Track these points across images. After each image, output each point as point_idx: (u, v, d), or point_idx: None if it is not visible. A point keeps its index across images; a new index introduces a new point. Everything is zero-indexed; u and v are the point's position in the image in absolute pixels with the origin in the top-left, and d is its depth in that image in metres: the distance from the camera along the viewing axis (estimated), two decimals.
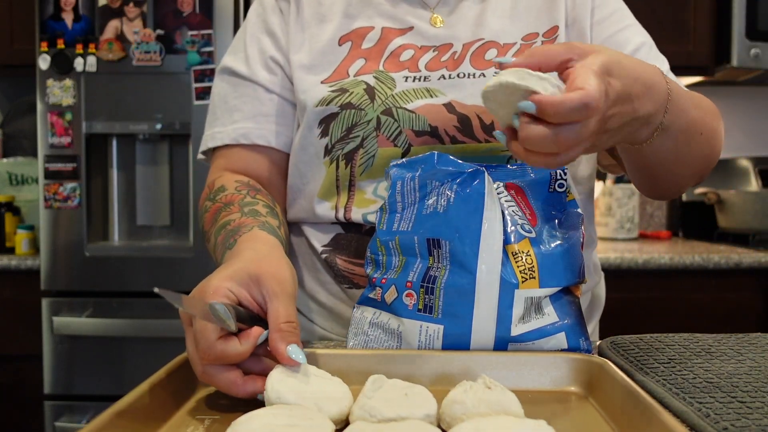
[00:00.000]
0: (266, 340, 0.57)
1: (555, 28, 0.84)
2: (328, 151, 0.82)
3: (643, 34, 0.87)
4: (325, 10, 0.88)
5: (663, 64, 0.86)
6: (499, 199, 0.68)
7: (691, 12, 2.19)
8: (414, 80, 0.82)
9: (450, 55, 0.83)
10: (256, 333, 0.56)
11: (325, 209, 0.83)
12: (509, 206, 0.68)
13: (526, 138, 0.54)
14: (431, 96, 0.80)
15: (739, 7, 2.11)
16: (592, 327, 0.92)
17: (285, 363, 0.55)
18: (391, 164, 0.72)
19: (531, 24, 0.85)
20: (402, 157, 0.79)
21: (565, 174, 0.70)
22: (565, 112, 0.53)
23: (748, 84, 2.47)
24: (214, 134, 0.89)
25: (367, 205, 0.81)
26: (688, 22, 2.19)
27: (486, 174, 0.68)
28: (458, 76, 0.81)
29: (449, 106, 0.79)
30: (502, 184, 0.70)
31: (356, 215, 0.81)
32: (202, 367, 0.56)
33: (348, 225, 0.83)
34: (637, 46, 0.84)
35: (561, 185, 0.70)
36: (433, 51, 0.84)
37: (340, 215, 0.82)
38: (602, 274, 0.97)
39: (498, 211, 0.66)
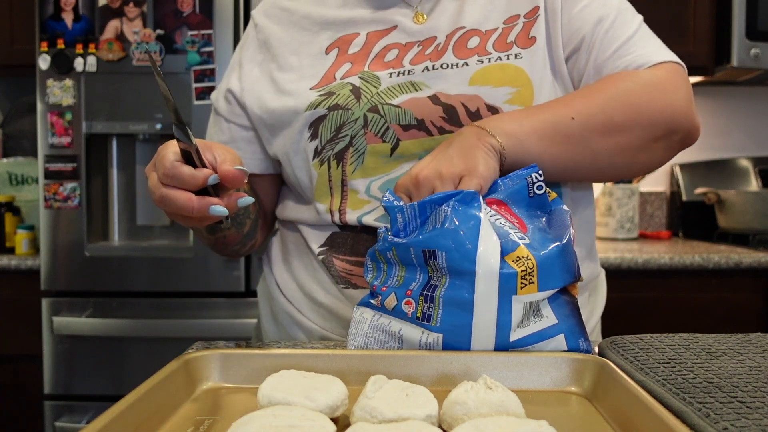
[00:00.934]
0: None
1: (536, 9, 0.84)
2: (317, 153, 0.84)
3: (607, 6, 0.83)
4: (308, 23, 0.90)
5: (629, 28, 0.82)
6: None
7: (691, 12, 2.19)
8: (399, 75, 0.83)
9: (433, 48, 0.84)
10: (209, 171, 0.65)
11: (322, 211, 0.85)
12: (496, 220, 0.68)
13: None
14: (416, 90, 0.81)
15: (739, 7, 2.11)
16: (594, 324, 0.92)
17: (231, 177, 0.65)
18: (384, 196, 0.72)
19: (512, 6, 0.85)
20: (391, 152, 0.80)
21: (540, 177, 0.70)
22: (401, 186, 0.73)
23: (748, 84, 2.47)
24: None
25: (361, 206, 0.82)
26: (688, 22, 2.19)
27: (480, 196, 0.68)
28: (441, 66, 0.82)
29: (434, 98, 0.81)
30: (482, 201, 0.70)
31: (351, 218, 0.83)
32: (162, 190, 0.65)
33: (344, 225, 0.84)
34: (598, 19, 0.82)
35: (540, 187, 0.70)
36: (418, 46, 0.85)
37: (336, 219, 0.83)
38: (602, 270, 0.97)
39: (491, 226, 0.66)
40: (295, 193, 0.91)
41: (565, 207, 0.71)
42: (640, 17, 0.85)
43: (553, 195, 0.71)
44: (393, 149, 0.81)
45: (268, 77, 0.89)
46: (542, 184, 0.70)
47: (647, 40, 0.83)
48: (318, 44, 0.88)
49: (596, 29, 0.82)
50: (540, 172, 0.70)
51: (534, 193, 0.70)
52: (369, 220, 0.81)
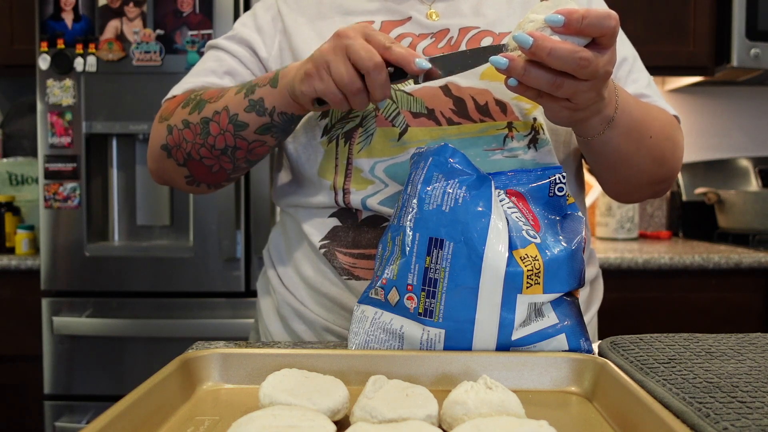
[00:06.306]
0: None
1: None
2: (327, 131, 0.85)
3: (626, 47, 0.93)
4: (325, 9, 0.92)
5: (644, 75, 0.92)
6: (502, 206, 0.68)
7: (691, 12, 2.19)
8: None
9: (446, 41, 0.86)
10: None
11: (326, 189, 0.85)
12: (512, 213, 0.68)
13: (552, 47, 0.60)
14: None
15: (739, 7, 2.11)
16: (590, 318, 0.93)
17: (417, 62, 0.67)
18: (414, 151, 0.73)
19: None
20: (399, 137, 0.82)
21: (564, 179, 0.71)
22: (593, 18, 0.60)
23: (748, 84, 2.47)
24: None
25: (364, 186, 0.83)
26: (688, 22, 2.19)
27: (492, 182, 0.68)
28: None
29: (445, 89, 0.83)
30: (503, 191, 0.70)
31: (355, 200, 0.83)
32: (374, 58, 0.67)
33: (345, 213, 0.85)
34: (622, 58, 0.92)
35: (561, 189, 0.70)
36: (431, 38, 0.87)
37: (340, 199, 0.85)
38: (599, 271, 0.98)
39: (503, 219, 0.66)
40: (296, 177, 0.92)
41: (579, 213, 0.71)
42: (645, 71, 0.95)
43: (571, 199, 0.72)
44: (401, 134, 0.82)
45: (289, 55, 0.90)
46: (564, 186, 0.70)
47: (657, 90, 0.93)
48: (332, 27, 0.88)
49: (620, 68, 0.91)
50: (564, 174, 0.71)
51: (554, 193, 0.71)
52: (373, 203, 0.82)
